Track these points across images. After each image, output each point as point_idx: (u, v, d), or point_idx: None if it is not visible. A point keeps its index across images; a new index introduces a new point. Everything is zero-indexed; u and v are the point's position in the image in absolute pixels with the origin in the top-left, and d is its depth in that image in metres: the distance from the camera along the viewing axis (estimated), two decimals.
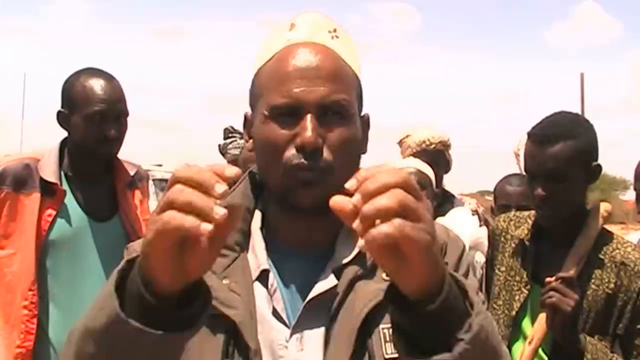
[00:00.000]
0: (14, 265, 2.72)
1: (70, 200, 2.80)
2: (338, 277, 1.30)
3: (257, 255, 1.34)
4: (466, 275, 1.39)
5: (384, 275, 1.30)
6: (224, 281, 1.28)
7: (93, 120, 2.77)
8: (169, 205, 0.94)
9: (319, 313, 1.28)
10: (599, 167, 2.38)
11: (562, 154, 2.30)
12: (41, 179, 2.74)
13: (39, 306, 2.72)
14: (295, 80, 1.27)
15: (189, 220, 0.92)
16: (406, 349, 1.04)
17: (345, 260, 1.31)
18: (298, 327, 1.28)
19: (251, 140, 1.39)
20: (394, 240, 0.91)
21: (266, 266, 1.32)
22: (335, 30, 1.37)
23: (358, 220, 0.92)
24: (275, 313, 1.30)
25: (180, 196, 0.93)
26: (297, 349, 1.27)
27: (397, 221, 0.90)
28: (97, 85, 2.80)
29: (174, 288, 1.01)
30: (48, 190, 2.75)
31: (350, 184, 0.94)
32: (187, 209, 0.92)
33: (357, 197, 0.92)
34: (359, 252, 1.31)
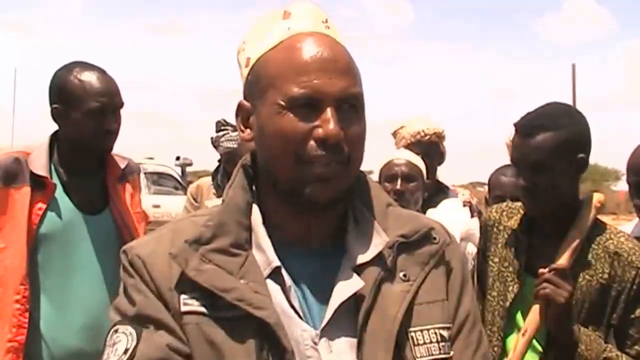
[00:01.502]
0: (6, 259, 2.71)
1: (60, 194, 2.79)
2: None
3: (266, 252, 1.31)
4: (471, 280, 1.42)
5: (402, 275, 1.30)
6: (242, 281, 1.25)
7: (93, 114, 2.77)
8: None
9: (343, 315, 1.27)
10: (584, 159, 2.37)
11: (543, 145, 2.31)
12: (31, 173, 2.73)
13: (30, 300, 2.71)
14: (314, 72, 1.26)
15: None
16: None
17: (364, 259, 1.30)
18: (327, 328, 1.26)
19: (248, 130, 1.36)
20: None
21: (278, 263, 1.29)
22: (326, 21, 1.36)
23: None
24: (295, 312, 1.27)
25: None
26: (327, 351, 1.25)
27: None
28: (94, 79, 2.80)
29: None
30: (38, 184, 2.74)
31: None
32: None
33: None
34: (380, 251, 1.31)
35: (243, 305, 1.22)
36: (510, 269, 2.47)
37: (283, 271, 1.29)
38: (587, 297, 2.30)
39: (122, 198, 2.97)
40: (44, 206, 2.73)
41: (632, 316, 2.28)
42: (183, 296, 1.27)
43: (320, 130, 1.25)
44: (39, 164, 2.76)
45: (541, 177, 2.33)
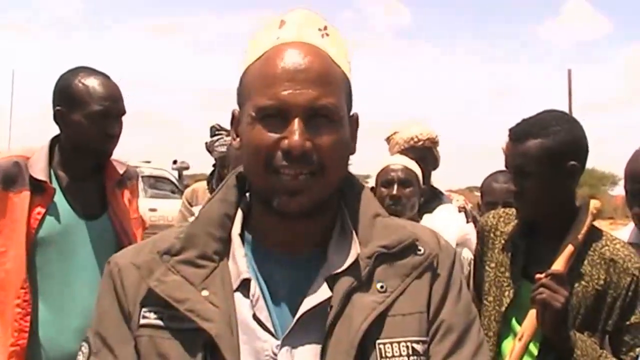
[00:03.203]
0: (6, 263, 2.71)
1: (59, 198, 2.80)
2: (331, 287, 1.28)
3: (238, 264, 1.32)
4: (460, 287, 1.38)
5: (379, 286, 1.29)
6: (203, 293, 1.27)
7: (95, 117, 2.79)
8: None
9: (312, 324, 1.26)
10: (575, 166, 2.38)
11: (529, 152, 2.35)
12: (31, 177, 2.74)
13: (30, 304, 2.71)
14: (283, 83, 1.26)
15: None
16: None
17: (338, 269, 1.29)
18: (290, 339, 1.26)
19: (239, 139, 1.37)
20: None
21: (247, 275, 1.30)
22: (325, 28, 1.36)
23: None
24: (259, 323, 1.27)
25: None
26: None
27: None
28: (98, 83, 2.83)
29: None
30: (38, 188, 2.74)
31: None
32: None
33: None
34: (353, 262, 1.30)
35: (192, 317, 1.24)
36: (507, 274, 2.48)
37: (252, 283, 1.29)
38: (583, 303, 2.31)
39: (120, 203, 2.99)
40: (43, 210, 2.74)
41: (628, 323, 2.30)
42: (144, 309, 1.31)
43: (285, 142, 1.25)
44: (39, 168, 2.77)
45: (528, 182, 2.37)
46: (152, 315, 1.29)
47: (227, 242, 1.35)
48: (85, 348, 1.37)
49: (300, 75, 1.27)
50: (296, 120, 1.25)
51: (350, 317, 1.25)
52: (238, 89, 1.37)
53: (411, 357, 1.26)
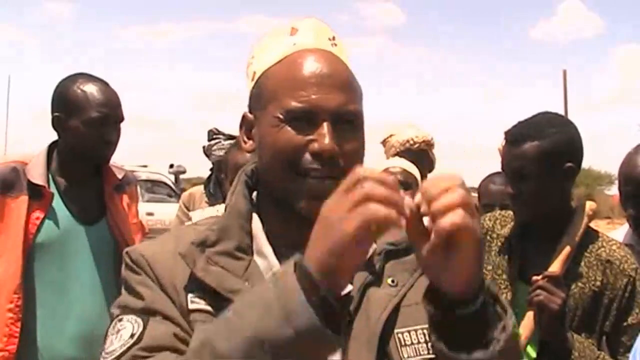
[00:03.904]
0: (0, 267, 2.71)
1: (58, 203, 2.80)
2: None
3: (268, 258, 1.34)
4: None
5: (389, 281, 1.33)
6: (246, 284, 1.28)
7: (93, 124, 2.80)
8: (367, 199, 1.00)
9: None
10: (572, 167, 2.40)
11: (526, 154, 2.36)
12: (29, 182, 2.75)
13: (25, 309, 2.72)
14: (312, 87, 1.29)
15: (393, 213, 1.00)
16: (446, 346, 1.10)
17: None
18: None
19: (250, 142, 1.40)
20: (458, 228, 1.01)
21: (279, 268, 1.30)
22: (333, 38, 1.40)
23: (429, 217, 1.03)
24: None
25: (378, 191, 1.01)
26: None
27: (460, 211, 1.01)
28: (97, 90, 2.84)
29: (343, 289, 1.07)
30: (36, 193, 2.75)
31: (418, 200, 1.05)
32: (385, 202, 1.00)
33: (418, 197, 1.05)
34: (369, 256, 1.32)
35: None
36: (504, 276, 2.48)
37: None
38: (580, 304, 2.31)
39: (119, 208, 2.99)
40: (41, 215, 2.75)
41: (625, 324, 2.30)
42: (190, 295, 1.29)
43: (315, 144, 1.27)
44: (37, 173, 2.77)
45: (526, 185, 2.38)
46: (201, 301, 1.28)
47: (252, 236, 1.37)
48: (133, 319, 1.27)
49: (328, 80, 1.30)
50: (326, 124, 1.27)
51: (367, 310, 1.29)
52: (254, 92, 1.39)
53: (429, 343, 1.30)
